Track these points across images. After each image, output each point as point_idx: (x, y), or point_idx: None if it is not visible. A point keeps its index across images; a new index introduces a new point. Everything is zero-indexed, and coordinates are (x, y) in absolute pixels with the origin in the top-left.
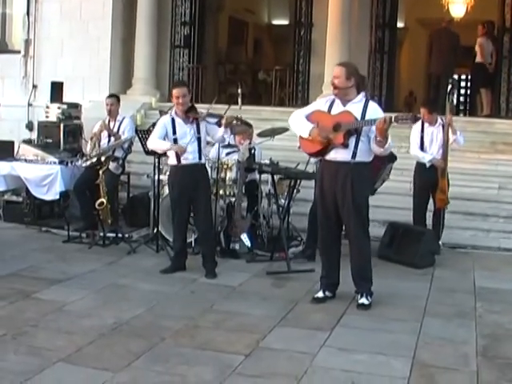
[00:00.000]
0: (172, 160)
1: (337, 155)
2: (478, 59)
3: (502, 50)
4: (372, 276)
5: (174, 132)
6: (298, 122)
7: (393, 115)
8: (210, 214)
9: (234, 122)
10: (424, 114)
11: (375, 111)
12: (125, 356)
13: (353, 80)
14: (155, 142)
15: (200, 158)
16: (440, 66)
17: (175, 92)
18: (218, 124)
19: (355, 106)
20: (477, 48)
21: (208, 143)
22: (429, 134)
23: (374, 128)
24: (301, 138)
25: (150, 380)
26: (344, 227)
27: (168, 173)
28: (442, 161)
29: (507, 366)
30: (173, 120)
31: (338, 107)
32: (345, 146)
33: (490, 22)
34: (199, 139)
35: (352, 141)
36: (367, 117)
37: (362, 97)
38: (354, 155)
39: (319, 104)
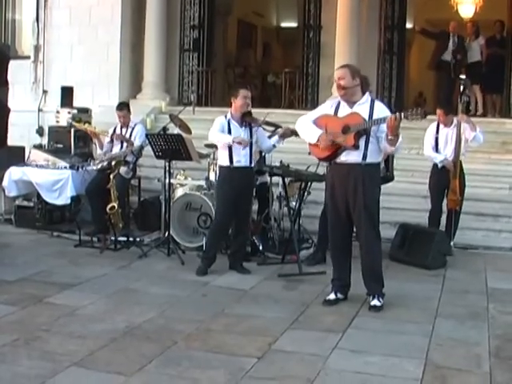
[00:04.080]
0: (224, 161)
1: (347, 157)
2: (475, 58)
3: (511, 49)
4: (383, 277)
5: (229, 133)
6: (306, 128)
7: (402, 113)
8: (250, 216)
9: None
10: (440, 115)
11: (382, 110)
12: (137, 360)
13: (358, 79)
14: (217, 135)
15: (251, 163)
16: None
17: (243, 92)
18: (274, 133)
19: (362, 108)
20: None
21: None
22: (444, 136)
23: (383, 127)
24: (310, 143)
25: None
26: (355, 229)
27: (217, 174)
28: (452, 163)
29: None
30: (229, 122)
31: (344, 110)
32: (356, 147)
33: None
34: (251, 143)
35: (362, 142)
36: (375, 117)
37: (367, 97)
38: (364, 157)
39: (325, 108)
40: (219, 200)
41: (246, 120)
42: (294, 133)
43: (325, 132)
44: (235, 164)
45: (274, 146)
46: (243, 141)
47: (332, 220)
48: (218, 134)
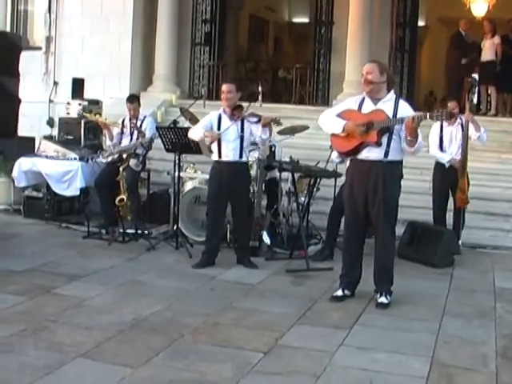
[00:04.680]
0: (214, 155)
1: (369, 154)
2: (488, 57)
3: None
4: (393, 276)
5: (219, 127)
6: (329, 119)
7: (427, 113)
8: (247, 211)
9: (272, 123)
10: (455, 107)
11: (406, 109)
12: (144, 352)
13: (385, 76)
14: (193, 130)
15: (241, 157)
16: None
17: (223, 87)
18: (257, 124)
19: (387, 105)
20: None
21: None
22: (448, 134)
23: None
24: (333, 136)
25: (169, 376)
26: (372, 225)
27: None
28: (460, 162)
29: None
30: (220, 116)
31: (368, 106)
32: (378, 144)
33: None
34: (242, 138)
35: (384, 139)
36: (398, 115)
37: (392, 94)
38: (386, 154)
39: (349, 103)
40: (208, 195)
41: (235, 114)
42: (276, 122)
43: (350, 121)
44: (223, 158)
45: (262, 138)
46: (211, 135)
47: (348, 216)
48: (193, 130)
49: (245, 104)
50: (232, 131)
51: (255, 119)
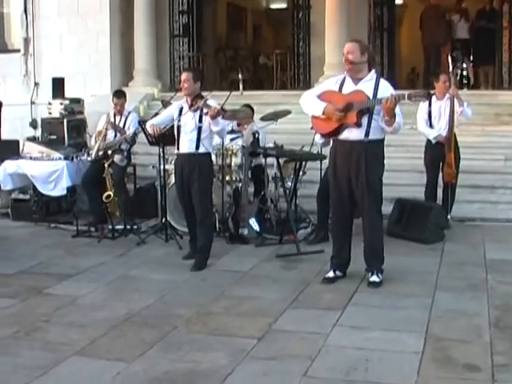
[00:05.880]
0: (175, 148)
1: (350, 134)
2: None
3: (501, 21)
4: (384, 254)
5: (179, 118)
6: (310, 101)
7: (406, 93)
8: (206, 205)
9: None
10: (447, 81)
11: (387, 89)
12: (138, 346)
13: (366, 55)
14: (149, 122)
15: (197, 148)
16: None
17: (182, 76)
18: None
19: (367, 85)
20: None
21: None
22: (436, 109)
23: None
24: (313, 118)
25: (164, 368)
26: (358, 206)
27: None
28: (445, 137)
29: None
30: (181, 106)
31: (349, 86)
32: (358, 125)
33: None
34: (200, 128)
35: (365, 119)
36: (379, 95)
37: (373, 74)
38: (367, 134)
39: (329, 84)
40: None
41: (193, 104)
42: (222, 113)
43: (330, 104)
44: (181, 150)
45: (213, 131)
46: (152, 128)
47: (334, 197)
48: (149, 121)
49: (220, 93)
50: (190, 122)
51: (205, 111)
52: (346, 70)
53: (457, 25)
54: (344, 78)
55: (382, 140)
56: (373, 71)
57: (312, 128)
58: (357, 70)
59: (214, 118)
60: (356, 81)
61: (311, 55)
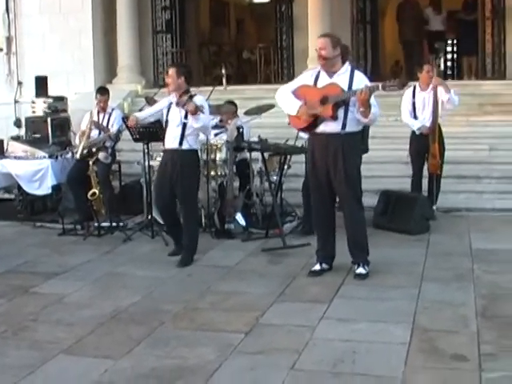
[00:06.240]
0: (162, 144)
1: (326, 128)
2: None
3: (484, 11)
4: (368, 245)
5: (168, 114)
6: (285, 99)
7: (380, 83)
8: (191, 203)
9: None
10: (430, 71)
11: (362, 80)
12: (125, 343)
13: (338, 49)
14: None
15: (181, 144)
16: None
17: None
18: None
19: (342, 78)
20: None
21: None
22: (420, 100)
23: None
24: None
25: (151, 364)
26: (338, 199)
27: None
28: (429, 128)
29: (507, 325)
30: (170, 102)
31: (324, 79)
32: (334, 118)
33: None
34: (185, 125)
35: (341, 112)
36: (354, 87)
37: (347, 66)
38: (343, 126)
39: (304, 78)
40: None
41: (179, 100)
42: (200, 110)
43: (304, 104)
44: (166, 146)
45: (194, 127)
46: (131, 119)
47: (314, 191)
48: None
49: (204, 88)
50: (176, 118)
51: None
52: (320, 65)
53: (431, 18)
54: (319, 72)
55: (359, 132)
56: (347, 63)
57: (289, 124)
58: (330, 65)
59: (193, 113)
60: (331, 74)
61: (294, 49)
